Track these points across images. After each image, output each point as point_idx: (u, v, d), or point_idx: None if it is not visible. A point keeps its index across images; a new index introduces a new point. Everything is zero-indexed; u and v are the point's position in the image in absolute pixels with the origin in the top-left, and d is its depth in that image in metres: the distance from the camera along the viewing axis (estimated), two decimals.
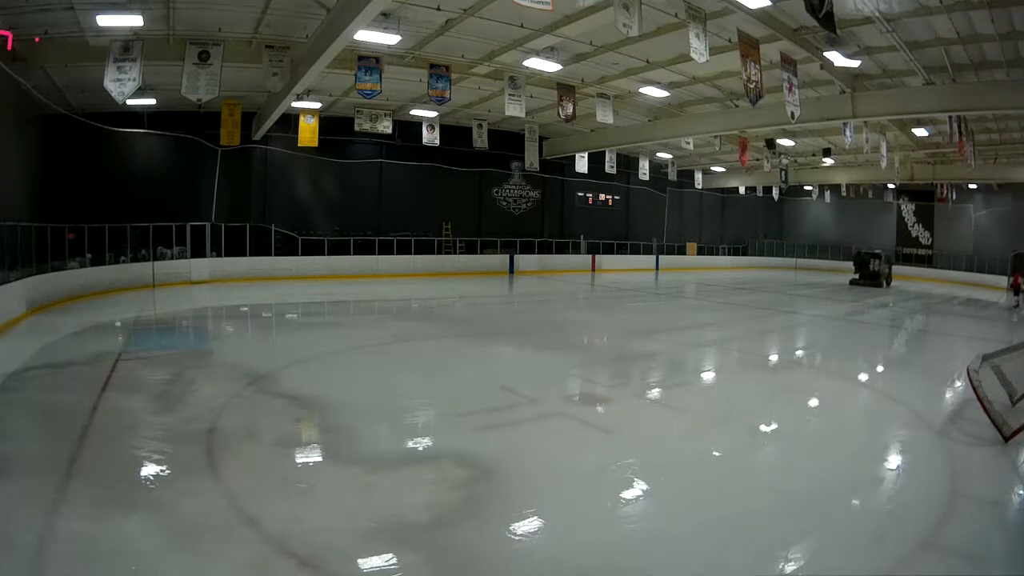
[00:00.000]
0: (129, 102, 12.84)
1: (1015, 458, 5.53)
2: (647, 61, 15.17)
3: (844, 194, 31.52)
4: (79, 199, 17.66)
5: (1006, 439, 5.72)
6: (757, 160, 26.45)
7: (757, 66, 11.64)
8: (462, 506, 4.22)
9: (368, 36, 11.48)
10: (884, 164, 21.50)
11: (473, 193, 26.54)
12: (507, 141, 24.26)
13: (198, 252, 18.95)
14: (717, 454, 5.57)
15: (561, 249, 28.53)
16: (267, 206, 21.68)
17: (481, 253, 25.82)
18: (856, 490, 4.81)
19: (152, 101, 17.30)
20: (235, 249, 19.76)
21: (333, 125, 21.02)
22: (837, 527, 4.15)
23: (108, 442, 5.26)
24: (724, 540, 3.90)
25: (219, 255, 19.44)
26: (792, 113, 13.02)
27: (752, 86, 11.57)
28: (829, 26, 9.88)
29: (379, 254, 22.74)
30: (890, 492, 5.00)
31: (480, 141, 21.47)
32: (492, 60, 15.05)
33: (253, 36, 13.17)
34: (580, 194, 30.04)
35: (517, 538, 3.91)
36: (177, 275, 17.76)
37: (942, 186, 27.83)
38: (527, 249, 27.04)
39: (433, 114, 20.21)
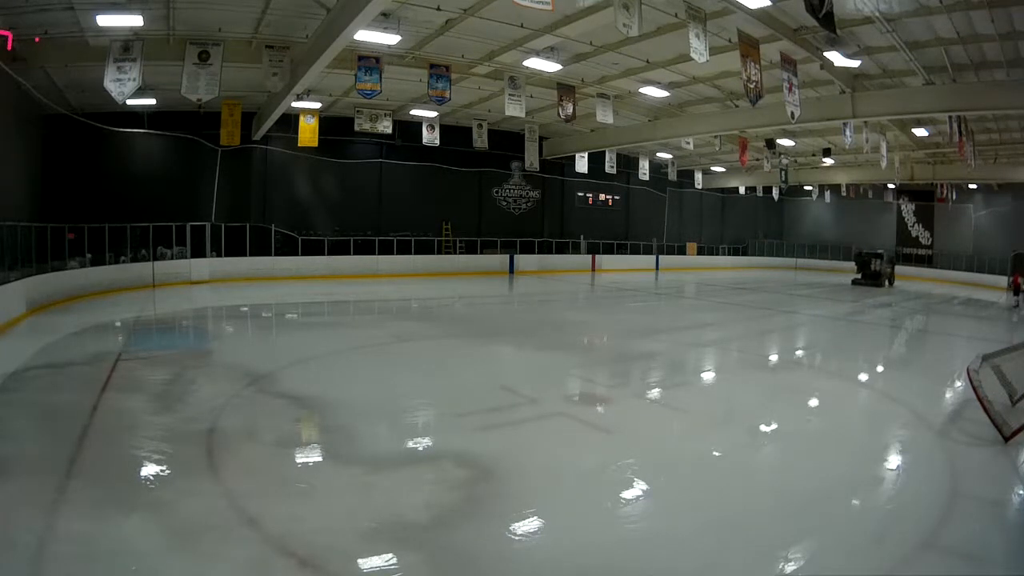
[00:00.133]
0: (129, 102, 12.84)
1: (1015, 458, 5.53)
2: (647, 61, 15.17)
3: (844, 194, 31.51)
4: (79, 199, 17.66)
5: (1006, 439, 5.72)
6: (757, 160, 26.44)
7: (757, 66, 11.64)
8: (462, 506, 4.22)
9: (368, 36, 11.48)
10: (884, 164, 21.50)
11: (473, 193, 26.53)
12: (507, 141, 24.26)
13: (198, 252, 18.95)
14: (717, 454, 5.57)
15: (561, 249, 28.52)
16: (267, 206, 21.68)
17: (481, 253, 25.81)
18: (856, 490, 4.81)
19: (152, 101, 17.30)
20: (235, 249, 19.77)
21: (333, 125, 21.02)
22: (837, 527, 4.15)
23: (108, 442, 5.26)
24: (724, 540, 3.91)
25: (219, 255, 19.44)
26: (792, 113, 13.03)
27: (752, 86, 11.57)
28: (829, 26, 9.88)
29: (379, 254, 22.74)
30: (890, 492, 5.00)
31: (480, 141, 21.46)
32: (492, 60, 15.05)
33: (253, 36, 13.17)
34: (580, 194, 30.03)
35: (517, 538, 3.91)
36: (177, 275, 17.77)
37: (942, 186, 27.82)
38: (527, 249, 27.03)
39: (433, 114, 20.20)
